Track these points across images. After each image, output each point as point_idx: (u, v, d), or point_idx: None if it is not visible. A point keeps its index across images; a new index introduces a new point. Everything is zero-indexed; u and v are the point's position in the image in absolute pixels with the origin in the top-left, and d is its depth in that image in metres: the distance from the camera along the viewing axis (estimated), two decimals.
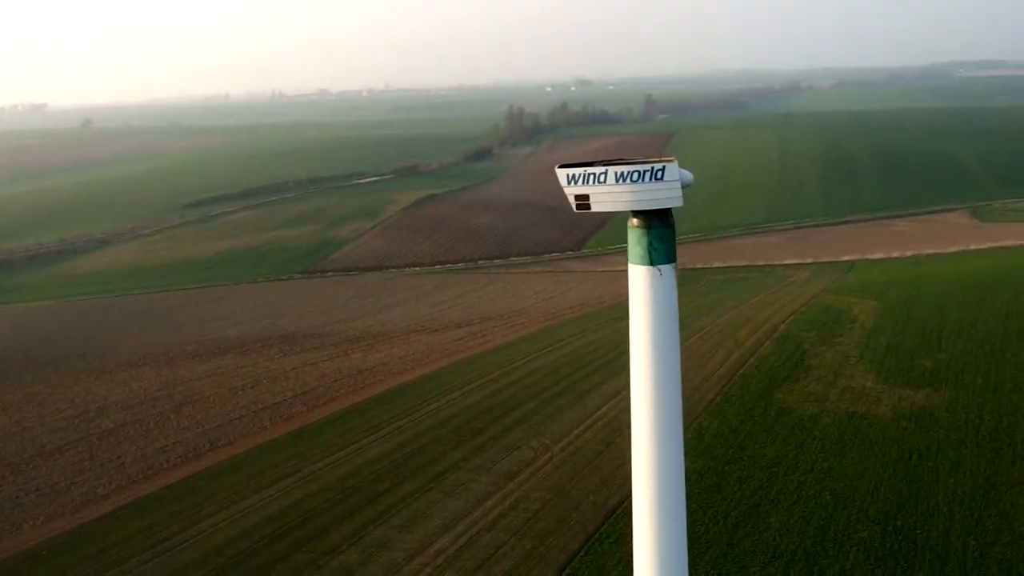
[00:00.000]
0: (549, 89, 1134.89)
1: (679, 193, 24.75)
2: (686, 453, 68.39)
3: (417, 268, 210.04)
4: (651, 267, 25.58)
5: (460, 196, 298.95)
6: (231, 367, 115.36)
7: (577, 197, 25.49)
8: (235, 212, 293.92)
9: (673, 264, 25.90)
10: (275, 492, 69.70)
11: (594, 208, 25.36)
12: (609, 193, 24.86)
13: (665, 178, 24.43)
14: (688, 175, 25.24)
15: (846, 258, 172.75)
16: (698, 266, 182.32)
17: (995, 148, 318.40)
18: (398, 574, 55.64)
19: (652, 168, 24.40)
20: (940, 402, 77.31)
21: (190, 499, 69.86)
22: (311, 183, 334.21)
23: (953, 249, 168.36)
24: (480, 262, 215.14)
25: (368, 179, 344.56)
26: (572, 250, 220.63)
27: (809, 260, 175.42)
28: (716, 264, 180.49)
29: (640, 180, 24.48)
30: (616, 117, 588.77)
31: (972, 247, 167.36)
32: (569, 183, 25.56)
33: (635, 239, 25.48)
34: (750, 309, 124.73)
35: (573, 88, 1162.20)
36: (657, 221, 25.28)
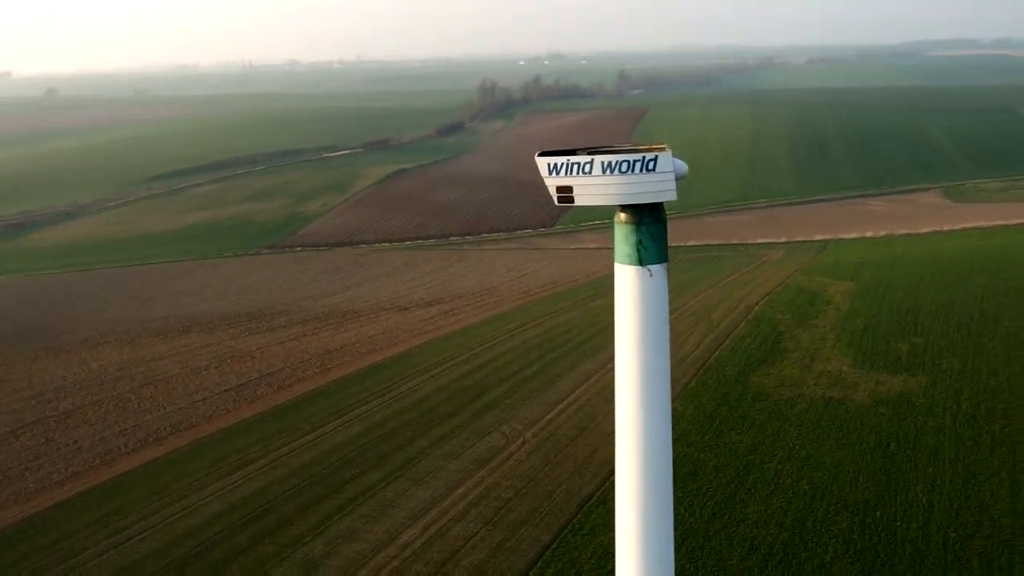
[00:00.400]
0: (522, 63, 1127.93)
1: (673, 186, 22.78)
2: None
3: (387, 244, 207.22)
4: (640, 267, 23.45)
5: (431, 171, 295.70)
6: (195, 345, 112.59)
7: (559, 189, 23.38)
8: (202, 185, 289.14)
9: (664, 264, 23.84)
10: (238, 479, 67.51)
11: (578, 202, 23.29)
12: (595, 185, 22.75)
13: (657, 169, 22.36)
14: (682, 165, 23.27)
15: (819, 238, 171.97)
16: (671, 244, 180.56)
17: (968, 128, 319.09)
18: (364, 567, 53.77)
19: (643, 158, 22.31)
20: (917, 387, 76.30)
21: (150, 486, 67.49)
22: (280, 156, 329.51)
23: (926, 230, 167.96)
24: (451, 238, 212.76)
25: (338, 152, 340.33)
26: (544, 227, 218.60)
27: (783, 239, 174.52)
28: (690, 242, 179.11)
29: (629, 171, 22.40)
30: (589, 92, 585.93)
31: (945, 228, 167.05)
32: (550, 173, 23.43)
33: (623, 236, 23.35)
34: (724, 289, 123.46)
35: (546, 62, 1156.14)
36: (648, 216, 23.18)
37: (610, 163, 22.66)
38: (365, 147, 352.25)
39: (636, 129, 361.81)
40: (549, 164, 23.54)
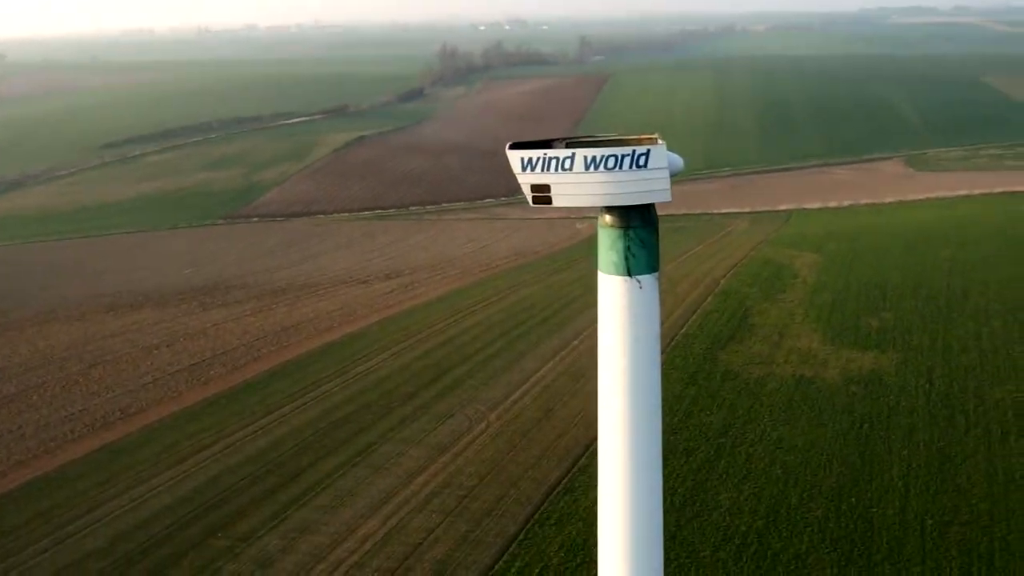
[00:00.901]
0: (482, 28, 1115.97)
1: (667, 184, 20.16)
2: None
3: (346, 214, 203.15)
4: (628, 278, 20.73)
5: (391, 138, 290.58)
6: (147, 322, 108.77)
7: (534, 188, 20.57)
8: (156, 153, 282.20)
9: (655, 274, 21.12)
10: (189, 468, 64.54)
11: (557, 202, 20.54)
12: (577, 184, 19.94)
13: (650, 165, 19.64)
14: (677, 160, 20.68)
15: (783, 207, 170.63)
16: None
17: (928, 96, 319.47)
18: (322, 562, 51.32)
19: (633, 152, 19.56)
20: (888, 365, 74.95)
21: (96, 476, 64.29)
22: (236, 123, 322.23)
23: (890, 199, 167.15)
24: (412, 208, 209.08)
25: (295, 120, 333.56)
26: (506, 196, 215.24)
27: (747, 209, 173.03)
28: None
29: (617, 167, 19.63)
30: (551, 58, 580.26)
31: (909, 197, 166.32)
32: (524, 169, 20.59)
33: (608, 242, 20.56)
34: (690, 262, 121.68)
35: (507, 27, 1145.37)
36: (637, 220, 20.45)
37: (594, 158, 19.80)
38: (323, 114, 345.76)
39: (598, 96, 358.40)
40: (522, 159, 20.66)
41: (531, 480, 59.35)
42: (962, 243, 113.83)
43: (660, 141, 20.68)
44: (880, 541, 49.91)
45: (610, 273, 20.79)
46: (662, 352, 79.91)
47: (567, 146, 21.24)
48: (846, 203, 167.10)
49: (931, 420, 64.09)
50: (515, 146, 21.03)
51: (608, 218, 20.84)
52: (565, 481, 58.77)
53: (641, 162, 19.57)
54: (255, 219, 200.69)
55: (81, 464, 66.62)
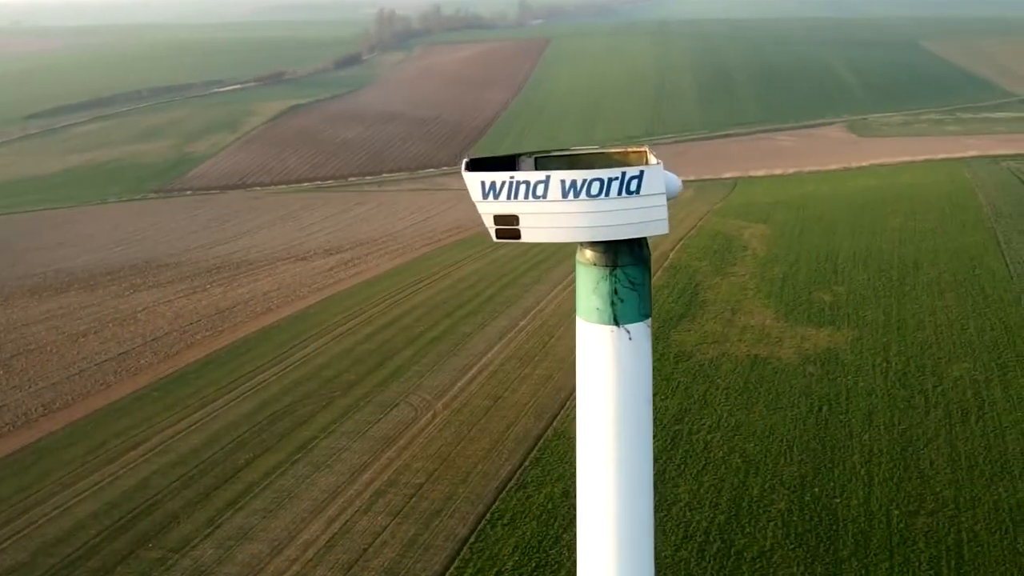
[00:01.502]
0: None
1: (664, 213, 17.07)
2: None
3: (283, 186, 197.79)
4: (615, 328, 17.40)
5: (328, 106, 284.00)
6: (74, 307, 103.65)
7: (499, 220, 17.13)
8: (83, 124, 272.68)
9: (647, 320, 17.90)
10: (118, 470, 60.62)
11: (528, 237, 17.16)
12: (552, 215, 16.60)
13: (643, 190, 16.41)
14: (676, 182, 17.60)
15: (728, 175, 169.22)
16: None
17: (868, 60, 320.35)
18: (261, 574, 48.08)
19: (622, 176, 16.27)
20: (843, 342, 73.38)
21: (17, 481, 60.09)
22: (167, 92, 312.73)
23: (834, 166, 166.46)
24: (351, 179, 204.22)
25: (229, 87, 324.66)
26: (448, 165, 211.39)
27: (692, 177, 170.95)
28: None
29: (603, 193, 16.35)
30: (490, 22, 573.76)
31: (853, 164, 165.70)
32: (485, 195, 17.16)
33: (589, 284, 17.24)
34: None
35: None
36: (626, 256, 17.23)
37: (574, 183, 16.53)
38: (257, 81, 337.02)
39: (539, 61, 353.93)
40: (483, 183, 17.19)
41: (481, 475, 56.58)
42: (910, 212, 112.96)
43: (654, 160, 17.58)
44: (846, 535, 48.06)
45: (592, 321, 17.34)
46: None
47: (537, 164, 18.05)
48: (791, 170, 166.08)
49: (890, 401, 62.52)
50: (473, 165, 17.67)
51: (589, 254, 17.42)
52: (517, 476, 56.11)
53: (632, 187, 16.35)
54: (188, 192, 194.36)
55: (1, 467, 62.37)
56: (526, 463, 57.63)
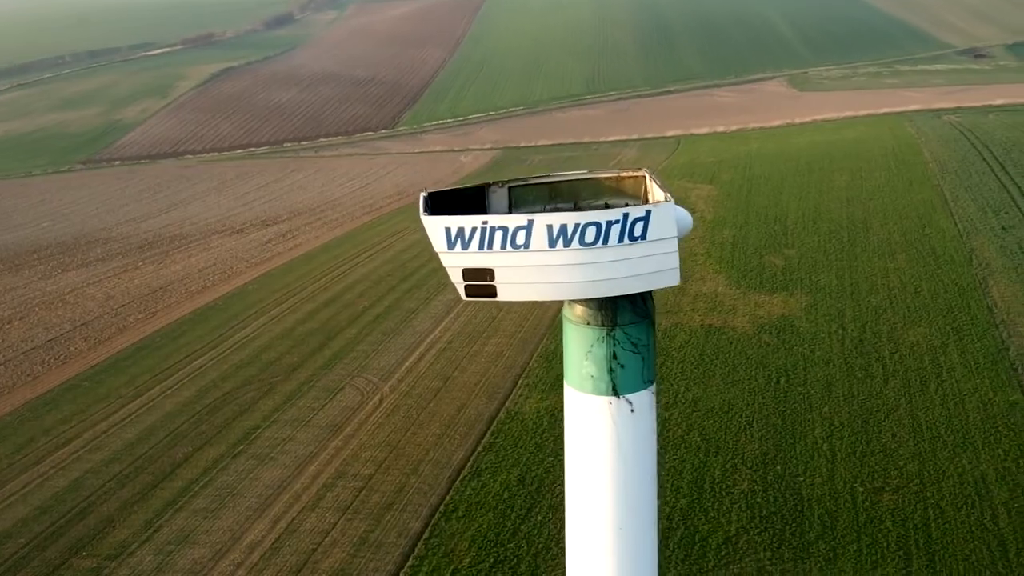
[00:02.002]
0: None
1: (676, 261, 14.47)
2: (533, 388, 59.80)
3: (216, 153, 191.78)
4: (615, 399, 14.50)
5: (260, 68, 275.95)
6: None
7: (468, 274, 14.16)
8: (4, 92, 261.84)
9: (651, 386, 15.13)
10: (47, 470, 57.23)
11: (505, 295, 14.21)
12: (537, 268, 13.75)
13: (650, 235, 13.71)
14: (687, 219, 15.04)
15: (671, 133, 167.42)
16: (522, 144, 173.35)
17: (806, 13, 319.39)
18: None
19: (625, 218, 13.55)
20: (798, 308, 72.11)
21: None
22: (90, 56, 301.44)
23: (777, 122, 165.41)
24: (286, 144, 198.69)
25: (156, 51, 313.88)
26: (386, 128, 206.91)
27: (635, 136, 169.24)
28: (541, 141, 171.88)
29: (600, 240, 13.66)
30: None
31: (796, 120, 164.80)
32: (452, 245, 14.11)
33: (581, 347, 14.46)
34: None
35: None
36: (627, 312, 14.46)
37: (564, 228, 13.62)
38: (185, 44, 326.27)
39: (476, 18, 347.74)
40: (448, 229, 14.10)
41: (433, 464, 54.28)
42: (856, 170, 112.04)
43: (657, 188, 14.89)
44: (812, 516, 46.71)
45: (584, 391, 14.38)
46: (562, 305, 75.77)
47: (512, 194, 15.33)
48: (734, 127, 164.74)
49: (848, 371, 61.34)
50: (434, 201, 14.77)
51: (581, 310, 14.51)
52: (470, 463, 53.92)
53: (637, 232, 13.54)
54: (117, 163, 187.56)
55: None
56: (479, 448, 55.45)
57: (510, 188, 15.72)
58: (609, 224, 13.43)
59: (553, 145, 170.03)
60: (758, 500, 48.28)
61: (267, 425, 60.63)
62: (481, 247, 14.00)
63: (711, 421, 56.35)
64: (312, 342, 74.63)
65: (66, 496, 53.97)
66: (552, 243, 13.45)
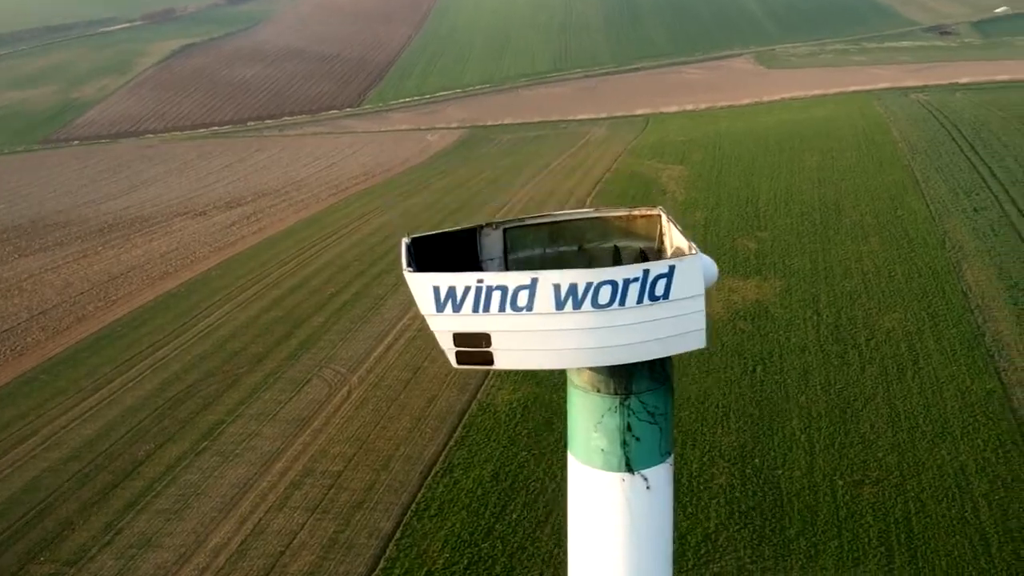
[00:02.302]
0: None
1: (702, 322, 12.99)
2: (504, 379, 58.45)
3: (177, 133, 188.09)
4: (629, 475, 12.90)
5: (222, 44, 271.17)
6: None
7: (461, 340, 12.57)
8: None
9: (669, 458, 13.72)
10: (4, 468, 55.01)
11: (503, 363, 12.55)
12: (542, 333, 12.10)
13: (674, 293, 12.15)
14: (713, 269, 13.56)
15: (640, 112, 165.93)
16: (489, 123, 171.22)
17: None
18: None
19: (645, 276, 11.92)
20: (772, 293, 71.23)
21: None
22: (47, 32, 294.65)
23: (746, 101, 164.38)
24: (249, 123, 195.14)
25: (115, 27, 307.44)
26: (351, 106, 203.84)
27: (603, 114, 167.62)
28: (508, 120, 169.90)
29: (616, 302, 12.03)
30: None
31: (765, 98, 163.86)
32: (441, 306, 12.50)
33: (590, 417, 12.84)
34: (552, 177, 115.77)
35: None
36: (644, 378, 12.99)
37: (574, 288, 11.95)
38: (145, 19, 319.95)
39: None
40: (437, 289, 12.51)
41: (404, 460, 52.86)
42: (826, 149, 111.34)
43: (677, 233, 13.34)
44: (792, 511, 45.84)
45: (594, 466, 12.83)
46: None
47: (507, 237, 13.78)
48: (703, 106, 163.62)
49: (824, 358, 60.54)
50: (417, 248, 13.19)
51: (589, 375, 12.77)
52: (442, 458, 52.56)
53: (659, 290, 12.00)
54: (76, 142, 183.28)
55: None
56: (451, 443, 54.11)
57: (505, 230, 14.15)
58: (627, 283, 11.83)
59: (520, 124, 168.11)
60: (737, 495, 47.35)
61: (232, 420, 58.88)
62: (476, 309, 12.36)
63: (687, 412, 55.28)
64: (278, 331, 72.81)
65: (23, 497, 51.98)
66: (559, 305, 11.80)
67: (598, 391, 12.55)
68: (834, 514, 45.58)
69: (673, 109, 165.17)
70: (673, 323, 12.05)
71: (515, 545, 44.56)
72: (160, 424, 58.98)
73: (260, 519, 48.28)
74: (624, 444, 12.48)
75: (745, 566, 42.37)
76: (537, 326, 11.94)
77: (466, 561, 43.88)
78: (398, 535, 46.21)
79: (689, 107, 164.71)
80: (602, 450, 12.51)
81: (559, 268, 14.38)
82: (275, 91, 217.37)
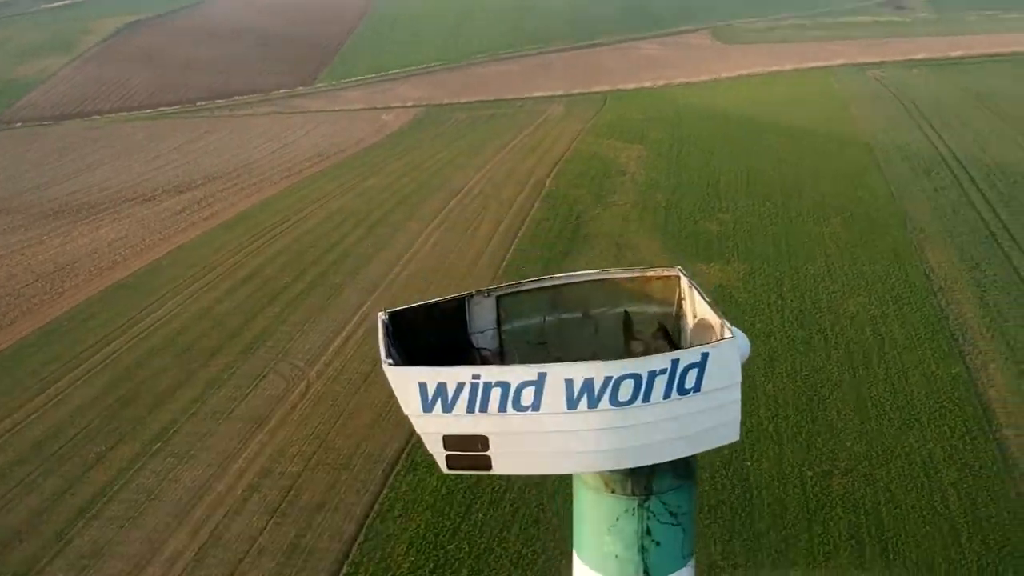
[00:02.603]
0: None
1: (737, 414, 11.62)
2: None
3: (125, 113, 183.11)
4: None
5: (170, 20, 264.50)
6: None
7: (451, 442, 11.17)
8: None
9: (690, 561, 12.13)
10: None
11: (502, 468, 11.13)
12: (549, 435, 10.59)
13: (706, 385, 10.71)
14: (747, 347, 12.20)
15: (598, 89, 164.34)
16: (444, 102, 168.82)
17: None
18: None
19: (673, 367, 10.41)
20: (735, 277, 70.69)
21: None
22: None
23: (704, 77, 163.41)
24: (199, 103, 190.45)
25: (57, 2, 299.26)
26: (304, 85, 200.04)
27: (560, 92, 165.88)
28: (463, 99, 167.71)
29: (639, 398, 10.48)
30: None
31: (723, 75, 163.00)
32: (429, 406, 11.05)
33: (603, 519, 11.34)
34: (510, 158, 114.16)
35: None
36: (668, 477, 11.49)
37: (589, 383, 10.34)
38: None
39: None
40: (424, 387, 11.04)
41: (365, 458, 51.48)
42: (786, 128, 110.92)
43: (720, 322, 11.83)
44: (762, 505, 45.25)
45: (607, 574, 11.32)
46: (493, 279, 72.92)
47: (500, 305, 12.40)
48: (661, 82, 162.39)
49: (789, 344, 60.05)
50: (395, 325, 11.71)
51: (604, 475, 11.32)
52: (404, 456, 51.25)
53: (689, 382, 10.44)
54: (18, 124, 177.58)
55: None
56: (414, 439, 52.66)
57: (498, 298, 12.77)
58: (652, 376, 10.39)
59: (477, 102, 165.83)
60: (706, 488, 46.48)
61: (186, 419, 57.00)
62: (471, 408, 10.88)
63: None
64: (232, 322, 70.81)
65: None
66: (572, 404, 10.29)
67: (612, 491, 11.16)
68: (804, 506, 45.09)
69: (631, 86, 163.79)
70: (704, 417, 10.72)
71: (482, 547, 43.50)
72: (111, 424, 56.95)
73: (217, 524, 46.69)
74: (642, 549, 11.12)
75: (716, 563, 41.70)
76: (544, 427, 10.42)
77: (432, 565, 42.76)
78: (361, 538, 44.93)
79: (647, 84, 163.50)
80: (616, 556, 11.13)
81: (560, 337, 12.98)
82: (225, 69, 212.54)
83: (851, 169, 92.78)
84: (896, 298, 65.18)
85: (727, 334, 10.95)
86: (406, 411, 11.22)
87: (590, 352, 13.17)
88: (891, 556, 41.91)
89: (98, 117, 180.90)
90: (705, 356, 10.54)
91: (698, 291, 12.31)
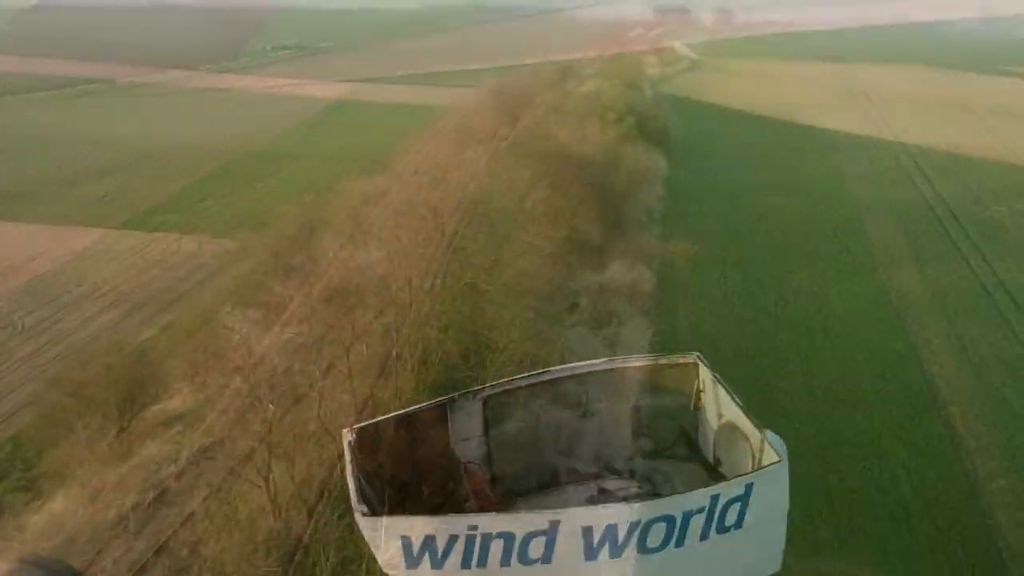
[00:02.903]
0: None
1: (781, 545, 10.20)
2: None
3: (42, 93, 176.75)
4: None
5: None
6: None
7: None
8: None
9: None
10: None
11: None
12: None
13: (748, 520, 9.28)
14: (784, 453, 10.77)
15: (529, 61, 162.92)
16: (376, 75, 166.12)
17: None
18: None
19: (713, 502, 8.97)
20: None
21: None
22: None
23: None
24: (119, 82, 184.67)
25: None
26: (228, 60, 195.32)
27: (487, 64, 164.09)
28: (398, 72, 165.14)
29: (672, 541, 9.00)
30: None
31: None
32: (415, 561, 9.08)
33: None
34: (446, 137, 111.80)
35: None
36: None
37: (614, 529, 8.87)
38: None
39: None
40: (408, 541, 9.02)
41: None
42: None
43: (760, 436, 10.35)
44: None
45: None
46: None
47: (487, 407, 10.86)
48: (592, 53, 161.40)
49: (738, 326, 59.43)
50: (362, 441, 10.10)
51: None
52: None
53: (730, 518, 8.94)
54: None
55: None
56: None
57: (485, 399, 11.24)
58: (687, 517, 9.06)
59: (410, 75, 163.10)
60: None
61: None
62: (467, 564, 9.13)
63: None
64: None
65: None
66: (592, 553, 8.89)
67: None
68: None
69: (561, 57, 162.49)
70: (744, 554, 9.40)
71: None
72: None
73: None
74: None
75: None
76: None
77: None
78: None
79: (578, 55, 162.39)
80: None
81: (557, 439, 11.51)
82: (146, 45, 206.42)
83: (791, 143, 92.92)
84: (838, 273, 65.40)
85: (769, 454, 9.56)
86: (384, 568, 9.60)
87: (592, 455, 11.76)
88: (849, 542, 41.60)
89: (10, 97, 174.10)
90: (749, 488, 9.26)
91: (723, 386, 10.96)
